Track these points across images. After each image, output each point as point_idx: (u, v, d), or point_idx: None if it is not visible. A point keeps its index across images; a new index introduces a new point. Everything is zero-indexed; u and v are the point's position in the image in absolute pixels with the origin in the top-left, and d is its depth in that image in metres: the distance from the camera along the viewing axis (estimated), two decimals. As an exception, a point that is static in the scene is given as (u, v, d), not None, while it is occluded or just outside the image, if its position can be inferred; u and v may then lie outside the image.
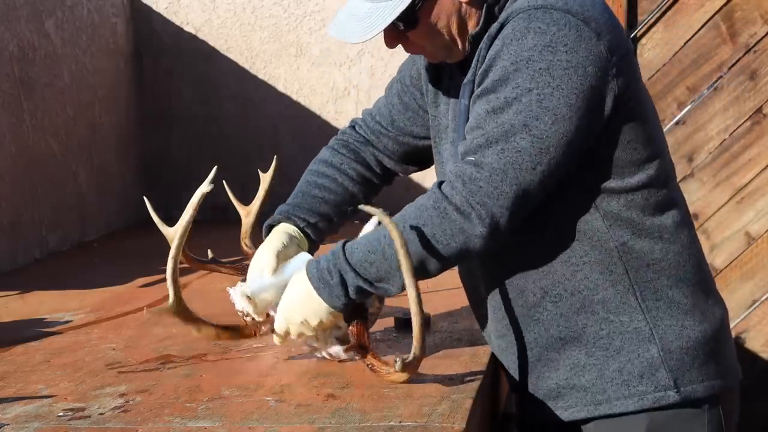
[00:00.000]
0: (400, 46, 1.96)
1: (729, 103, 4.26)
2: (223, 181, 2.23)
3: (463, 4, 1.90)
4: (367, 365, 1.87)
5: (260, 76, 4.27)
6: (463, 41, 1.92)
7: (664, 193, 1.94)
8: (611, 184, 1.89)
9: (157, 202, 2.16)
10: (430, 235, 1.81)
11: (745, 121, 4.27)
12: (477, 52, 1.90)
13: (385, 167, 2.24)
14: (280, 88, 4.26)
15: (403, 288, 1.83)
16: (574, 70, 1.78)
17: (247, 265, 2.16)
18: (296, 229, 2.12)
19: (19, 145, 3.33)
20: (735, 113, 4.26)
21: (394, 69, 4.32)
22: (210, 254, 2.19)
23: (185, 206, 2.04)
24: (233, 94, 4.30)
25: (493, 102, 1.81)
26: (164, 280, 1.92)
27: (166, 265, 1.91)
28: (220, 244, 2.29)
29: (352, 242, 1.89)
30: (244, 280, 2.21)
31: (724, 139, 4.28)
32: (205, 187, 1.96)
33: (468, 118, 1.90)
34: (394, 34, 1.92)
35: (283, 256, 2.04)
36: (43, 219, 3.48)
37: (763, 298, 4.32)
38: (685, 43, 4.25)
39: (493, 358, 2.08)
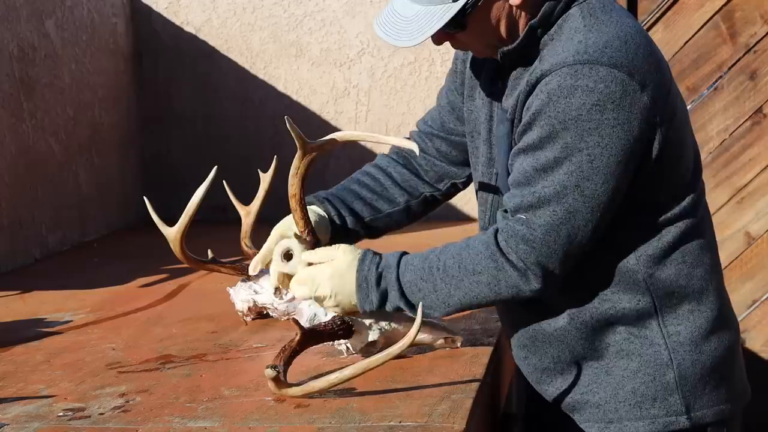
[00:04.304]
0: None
1: (729, 103, 4.26)
2: (223, 181, 2.23)
3: (514, 8, 1.88)
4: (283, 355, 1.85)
5: (260, 76, 4.26)
6: (513, 41, 1.90)
7: (695, 221, 1.94)
8: (646, 219, 1.90)
9: (157, 202, 2.16)
10: (485, 282, 1.85)
11: (745, 121, 4.26)
12: (515, 81, 1.90)
13: (437, 174, 2.22)
14: (280, 88, 4.26)
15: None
16: (621, 127, 1.78)
17: (248, 265, 2.17)
18: (324, 214, 2.13)
19: (19, 145, 3.33)
20: (735, 113, 4.26)
21: (394, 69, 4.34)
22: (210, 254, 2.19)
23: (185, 206, 2.04)
24: (233, 94, 4.29)
25: (541, 160, 1.81)
26: (164, 280, 1.92)
27: (166, 265, 1.91)
28: (220, 244, 2.29)
29: (410, 258, 1.91)
30: (244, 280, 2.21)
31: (724, 139, 4.28)
32: (204, 187, 1.96)
33: (508, 146, 1.91)
34: (442, 35, 1.90)
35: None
36: (43, 219, 3.47)
37: (763, 298, 4.32)
38: (685, 43, 4.24)
39: (494, 358, 2.08)
